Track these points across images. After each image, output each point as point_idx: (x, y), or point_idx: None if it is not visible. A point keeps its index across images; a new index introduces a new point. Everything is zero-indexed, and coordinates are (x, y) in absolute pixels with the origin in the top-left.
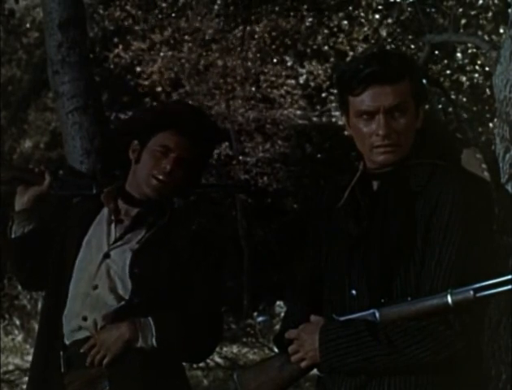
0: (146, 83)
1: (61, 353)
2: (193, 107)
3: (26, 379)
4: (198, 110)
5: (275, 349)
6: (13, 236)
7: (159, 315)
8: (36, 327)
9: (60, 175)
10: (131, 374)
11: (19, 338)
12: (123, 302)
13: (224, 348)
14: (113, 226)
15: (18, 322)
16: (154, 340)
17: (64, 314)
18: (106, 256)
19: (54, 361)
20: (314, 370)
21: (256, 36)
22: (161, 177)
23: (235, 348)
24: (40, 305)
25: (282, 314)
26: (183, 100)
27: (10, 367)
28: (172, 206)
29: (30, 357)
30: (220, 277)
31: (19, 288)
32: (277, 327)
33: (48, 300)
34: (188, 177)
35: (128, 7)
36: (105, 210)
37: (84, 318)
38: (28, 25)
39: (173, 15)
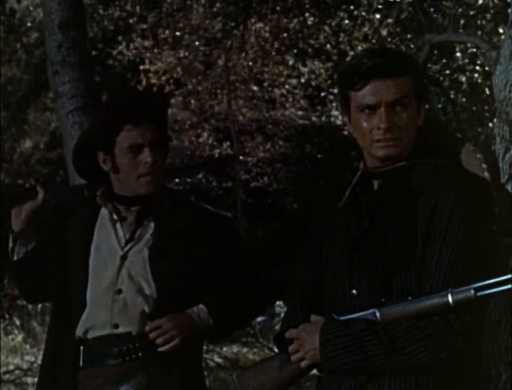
0: (148, 81)
1: (81, 347)
2: (130, 93)
3: (26, 379)
4: (136, 92)
5: (275, 349)
6: (15, 258)
7: (207, 300)
8: (37, 326)
9: (50, 185)
10: (168, 372)
11: (19, 338)
12: (153, 303)
13: (224, 348)
14: (118, 225)
15: (18, 322)
16: (211, 322)
17: (83, 319)
18: (124, 258)
19: (67, 360)
20: (315, 370)
21: (257, 36)
22: (148, 172)
23: (235, 348)
24: (40, 306)
25: (282, 314)
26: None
27: (11, 367)
28: (171, 192)
29: (30, 357)
30: (237, 241)
31: None
32: (277, 327)
33: (57, 309)
34: (165, 155)
35: (127, 7)
36: (104, 212)
37: (116, 326)
38: (28, 25)
39: (175, 13)
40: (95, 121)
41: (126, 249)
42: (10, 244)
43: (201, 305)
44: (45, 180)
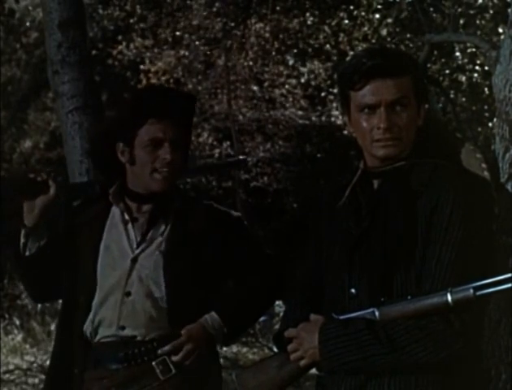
0: (148, 81)
1: (88, 349)
2: (159, 88)
3: (26, 378)
4: (165, 88)
5: (275, 349)
6: (27, 253)
7: (220, 306)
8: (36, 326)
9: (61, 180)
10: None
11: (19, 338)
12: (162, 307)
13: (224, 348)
14: (130, 226)
15: (18, 322)
16: (225, 330)
17: (90, 317)
18: (134, 261)
19: (74, 361)
20: (314, 370)
21: (257, 35)
22: (164, 169)
23: (235, 348)
24: (40, 305)
25: (282, 314)
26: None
27: (11, 367)
28: (182, 193)
29: (30, 357)
30: (248, 239)
31: (21, 287)
32: (277, 326)
33: (66, 306)
34: (184, 156)
35: (127, 7)
36: (115, 211)
37: (122, 328)
38: (27, 25)
39: (175, 13)
40: (119, 111)
41: (137, 251)
42: (23, 240)
43: (213, 313)
44: (54, 175)
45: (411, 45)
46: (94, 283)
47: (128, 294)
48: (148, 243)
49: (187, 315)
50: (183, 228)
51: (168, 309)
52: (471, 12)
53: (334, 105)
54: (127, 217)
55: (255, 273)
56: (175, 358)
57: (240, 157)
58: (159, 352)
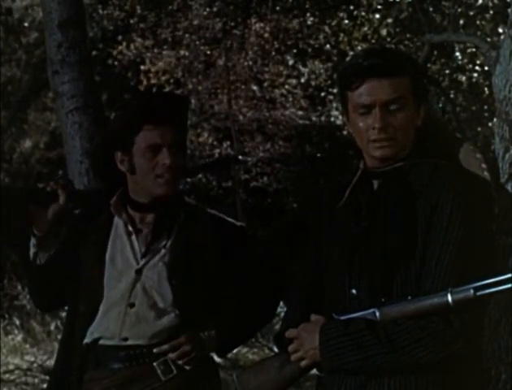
0: (148, 81)
1: (88, 350)
2: (151, 93)
3: (26, 378)
4: (157, 92)
5: (275, 349)
6: (38, 262)
7: (218, 320)
8: (36, 326)
9: (69, 190)
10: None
11: (19, 338)
12: (172, 316)
13: None
14: (134, 237)
15: (18, 322)
16: (219, 343)
17: (91, 329)
18: (139, 273)
19: (75, 362)
20: (315, 370)
21: (257, 35)
22: (165, 173)
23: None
24: None
25: (282, 314)
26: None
27: (11, 367)
28: (185, 203)
29: (30, 357)
30: (251, 252)
31: (19, 287)
32: (277, 327)
33: (71, 314)
34: (183, 158)
35: (127, 7)
36: (118, 222)
37: (125, 339)
38: (27, 25)
39: (175, 13)
40: (115, 120)
41: (142, 263)
42: (34, 249)
43: (212, 331)
44: (63, 183)
45: (411, 45)
46: (100, 295)
47: (132, 305)
48: (152, 254)
49: (192, 325)
50: (186, 240)
51: (175, 319)
52: (471, 12)
53: (334, 105)
54: (130, 228)
55: (256, 285)
56: (171, 355)
57: (230, 153)
58: (155, 351)
